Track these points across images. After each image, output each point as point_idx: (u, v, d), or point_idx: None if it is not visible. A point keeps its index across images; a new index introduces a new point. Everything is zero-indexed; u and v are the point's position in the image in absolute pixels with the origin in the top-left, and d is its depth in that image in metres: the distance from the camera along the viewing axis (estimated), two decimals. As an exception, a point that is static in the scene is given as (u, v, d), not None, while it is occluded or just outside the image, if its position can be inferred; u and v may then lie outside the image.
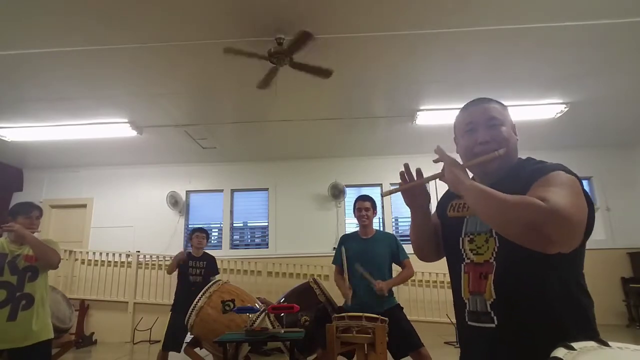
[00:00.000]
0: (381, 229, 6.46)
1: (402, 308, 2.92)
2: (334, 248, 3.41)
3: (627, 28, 3.46)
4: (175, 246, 6.39)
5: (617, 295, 6.13)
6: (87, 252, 6.53)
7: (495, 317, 0.99)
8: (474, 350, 1.07)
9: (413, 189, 1.18)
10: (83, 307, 6.10)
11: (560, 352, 0.64)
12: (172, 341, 3.53)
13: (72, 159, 6.63)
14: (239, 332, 2.46)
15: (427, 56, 3.91)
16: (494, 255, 1.02)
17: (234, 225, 7.08)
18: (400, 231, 6.80)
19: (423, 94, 4.73)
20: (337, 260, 3.08)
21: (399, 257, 2.96)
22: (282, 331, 2.39)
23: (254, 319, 2.51)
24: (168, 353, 3.53)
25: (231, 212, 7.06)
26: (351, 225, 6.69)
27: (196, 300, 2.95)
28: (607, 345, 0.67)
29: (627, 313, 6.04)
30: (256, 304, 2.99)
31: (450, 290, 1.16)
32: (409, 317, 2.90)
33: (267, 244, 6.84)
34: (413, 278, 4.84)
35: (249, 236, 7.22)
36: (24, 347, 2.23)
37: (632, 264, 6.26)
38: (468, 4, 3.16)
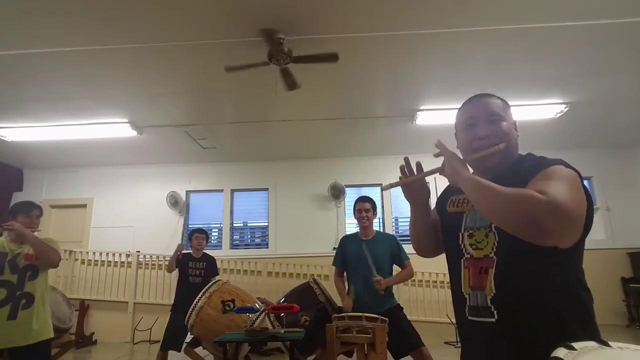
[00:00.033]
0: (381, 229, 6.48)
1: (402, 308, 2.93)
2: (334, 248, 3.41)
3: (627, 28, 3.46)
4: (175, 246, 6.36)
5: (617, 295, 6.13)
6: (87, 252, 6.53)
7: (495, 312, 0.99)
8: (475, 345, 1.07)
9: (413, 183, 1.18)
10: (83, 307, 6.10)
11: (560, 352, 0.64)
12: (171, 341, 3.53)
13: (72, 159, 6.63)
14: (239, 332, 2.46)
15: (427, 56, 3.91)
16: (494, 249, 1.02)
17: (234, 225, 7.08)
18: (400, 231, 6.80)
19: (423, 94, 4.73)
20: (336, 261, 3.08)
21: (400, 257, 2.97)
22: (282, 331, 2.39)
23: (254, 319, 2.51)
24: (167, 353, 3.53)
25: (231, 212, 7.06)
26: (351, 225, 6.69)
27: (196, 300, 2.95)
28: (607, 345, 0.67)
29: (627, 313, 6.05)
30: (256, 304, 2.99)
31: (450, 290, 1.16)
32: (409, 317, 2.91)
33: (267, 244, 6.83)
34: (413, 278, 4.85)
35: (249, 236, 7.22)
36: (25, 347, 2.23)
37: (632, 264, 6.27)
38: (468, 4, 3.16)
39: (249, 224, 7.20)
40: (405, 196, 1.22)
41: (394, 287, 3.04)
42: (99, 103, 4.68)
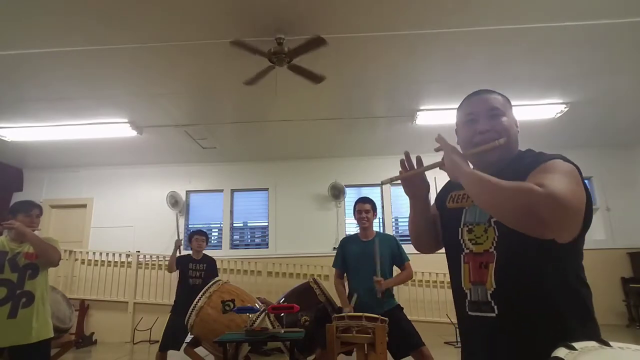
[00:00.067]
0: (381, 230, 6.49)
1: (402, 308, 2.92)
2: (334, 248, 3.41)
3: (627, 28, 3.46)
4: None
5: (617, 295, 6.13)
6: (87, 252, 6.53)
7: (495, 307, 0.99)
8: (475, 340, 1.07)
9: (413, 177, 1.18)
10: (83, 307, 6.10)
11: (561, 352, 0.64)
12: (170, 342, 3.52)
13: (72, 159, 6.63)
14: (239, 332, 2.46)
15: (427, 56, 3.91)
16: (494, 244, 1.02)
17: (234, 225, 7.08)
18: (400, 231, 6.80)
19: (423, 94, 4.73)
20: (337, 263, 3.07)
21: (400, 258, 2.97)
22: (282, 331, 2.39)
23: (254, 319, 2.51)
24: (166, 354, 3.53)
25: (231, 212, 7.06)
26: (351, 225, 6.70)
27: (196, 300, 2.94)
28: (608, 345, 0.67)
29: (627, 313, 6.05)
30: (256, 304, 2.99)
31: (451, 291, 1.16)
32: (409, 317, 2.91)
33: (267, 244, 6.84)
34: (413, 278, 4.85)
35: (249, 236, 7.22)
36: (25, 346, 2.23)
37: (632, 264, 6.27)
38: (468, 4, 3.16)
39: (249, 224, 7.20)
40: (405, 190, 1.22)
41: (394, 287, 3.04)
42: (99, 103, 4.68)
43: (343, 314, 2.47)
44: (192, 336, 3.40)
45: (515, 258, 0.98)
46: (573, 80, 4.41)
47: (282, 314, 2.69)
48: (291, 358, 2.31)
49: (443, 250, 1.23)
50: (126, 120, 5.19)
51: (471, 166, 1.05)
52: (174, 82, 4.31)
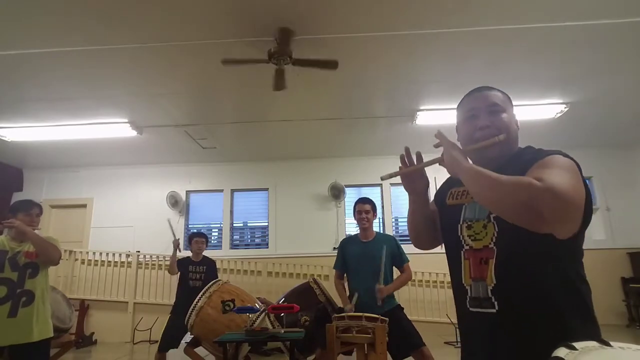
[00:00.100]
0: (381, 230, 6.49)
1: (403, 308, 2.92)
2: (334, 248, 3.41)
3: (627, 28, 3.46)
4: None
5: (617, 295, 6.13)
6: (87, 252, 6.53)
7: (496, 302, 0.99)
8: (475, 337, 1.07)
9: (412, 173, 1.19)
10: (83, 307, 6.10)
11: (561, 352, 0.64)
12: (169, 342, 3.52)
13: (72, 159, 6.63)
14: (239, 332, 2.46)
15: (427, 56, 3.91)
16: (494, 240, 1.02)
17: (234, 225, 7.08)
18: (400, 231, 6.79)
19: (423, 94, 4.73)
20: (337, 264, 3.07)
21: (400, 259, 2.96)
22: (282, 331, 2.39)
23: (254, 319, 2.51)
24: (165, 355, 3.53)
25: (231, 212, 7.06)
26: (351, 225, 6.69)
27: (196, 300, 2.95)
28: (608, 345, 0.67)
29: (627, 313, 6.05)
30: (256, 304, 2.99)
31: (451, 291, 1.16)
32: (409, 317, 2.91)
33: (267, 244, 6.83)
34: (413, 278, 4.86)
35: (249, 236, 7.21)
36: (25, 345, 2.23)
37: (632, 264, 6.27)
38: (468, 4, 3.16)
39: (249, 224, 7.20)
40: (404, 186, 1.23)
41: (394, 288, 3.04)
42: (99, 103, 4.68)
43: (343, 314, 2.47)
44: (192, 336, 3.40)
45: (515, 253, 0.98)
46: (573, 80, 4.41)
47: (282, 314, 2.69)
48: (291, 358, 2.31)
49: (443, 250, 1.23)
50: (126, 120, 5.19)
51: (471, 162, 1.05)
52: (174, 82, 4.31)
